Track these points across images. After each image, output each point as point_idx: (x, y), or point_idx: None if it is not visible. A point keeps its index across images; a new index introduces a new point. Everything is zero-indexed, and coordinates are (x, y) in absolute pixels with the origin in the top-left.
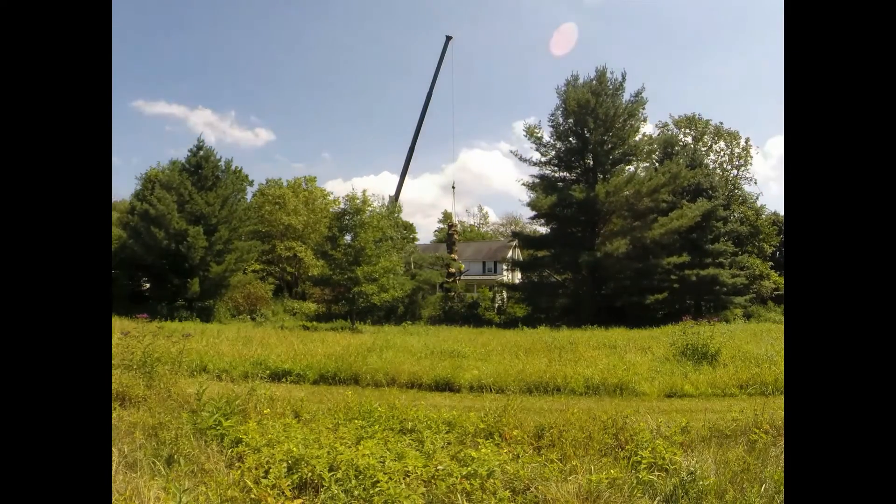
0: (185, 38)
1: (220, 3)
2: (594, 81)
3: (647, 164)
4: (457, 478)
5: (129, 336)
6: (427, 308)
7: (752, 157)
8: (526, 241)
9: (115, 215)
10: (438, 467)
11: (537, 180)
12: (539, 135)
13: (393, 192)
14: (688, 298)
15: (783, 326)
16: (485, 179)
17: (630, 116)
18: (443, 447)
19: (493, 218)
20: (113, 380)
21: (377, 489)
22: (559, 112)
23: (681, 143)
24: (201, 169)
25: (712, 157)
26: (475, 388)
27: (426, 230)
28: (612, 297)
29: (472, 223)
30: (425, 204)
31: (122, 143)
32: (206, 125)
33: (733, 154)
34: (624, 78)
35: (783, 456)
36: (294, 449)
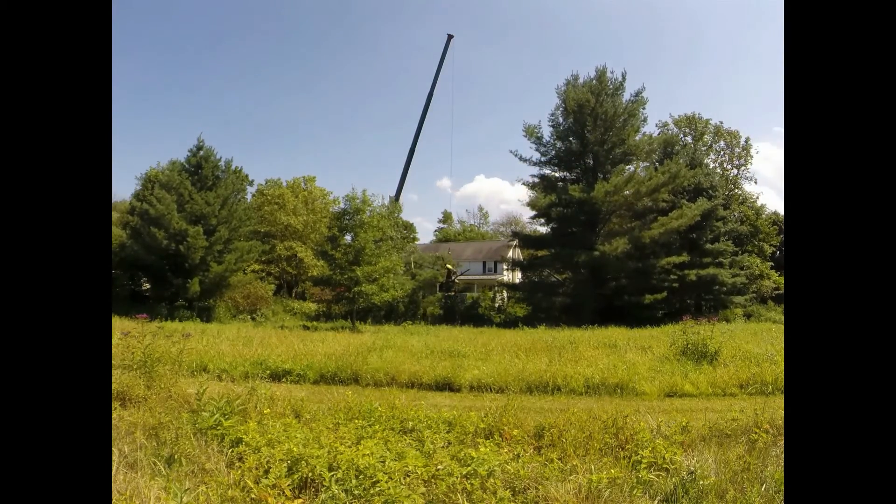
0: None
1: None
2: (594, 81)
3: (646, 164)
4: (457, 477)
5: (129, 336)
6: (427, 308)
7: (752, 156)
8: (526, 240)
9: (115, 215)
10: (438, 467)
11: (537, 180)
12: (539, 134)
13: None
14: (688, 298)
15: (783, 326)
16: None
17: (630, 116)
18: (443, 447)
19: (494, 217)
20: (113, 380)
21: (377, 489)
22: (559, 112)
23: (681, 143)
24: (201, 169)
25: (712, 156)
26: (475, 387)
27: (426, 230)
28: (612, 297)
29: (472, 223)
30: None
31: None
32: None
33: (733, 153)
34: (624, 78)
35: (783, 455)
36: (294, 449)
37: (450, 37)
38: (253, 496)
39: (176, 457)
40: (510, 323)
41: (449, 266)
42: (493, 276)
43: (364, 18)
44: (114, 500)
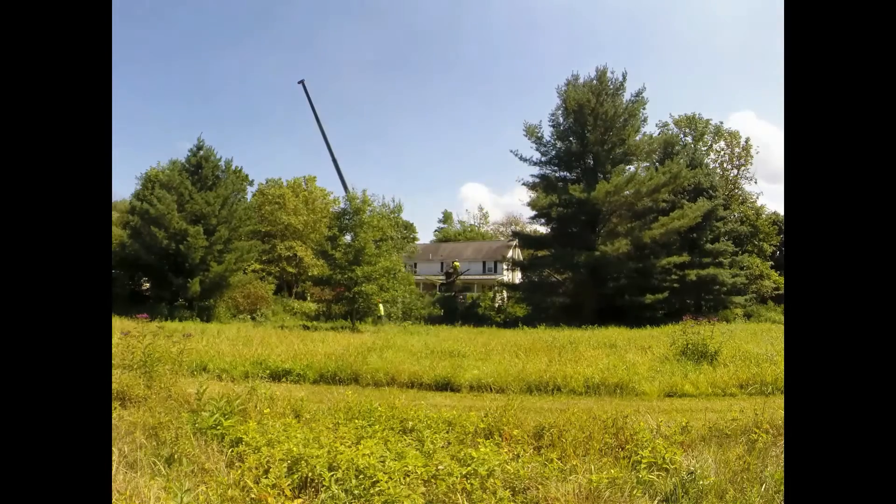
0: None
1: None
2: (595, 81)
3: (647, 164)
4: (457, 477)
5: (129, 336)
6: (427, 308)
7: (752, 156)
8: (526, 240)
9: (115, 215)
10: (438, 467)
11: (537, 180)
12: (539, 134)
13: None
14: (688, 298)
15: (783, 326)
16: None
17: (630, 116)
18: (443, 447)
19: (494, 217)
20: (113, 380)
21: (377, 489)
22: (559, 112)
23: (681, 143)
24: (201, 169)
25: (712, 156)
26: (475, 387)
27: (427, 229)
28: (612, 297)
29: (472, 223)
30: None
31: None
32: None
33: (733, 153)
34: (625, 78)
35: (783, 456)
36: (294, 448)
37: (302, 82)
38: (253, 496)
39: (176, 457)
40: (510, 323)
41: (456, 264)
42: (493, 276)
43: (365, 20)
44: (114, 500)
